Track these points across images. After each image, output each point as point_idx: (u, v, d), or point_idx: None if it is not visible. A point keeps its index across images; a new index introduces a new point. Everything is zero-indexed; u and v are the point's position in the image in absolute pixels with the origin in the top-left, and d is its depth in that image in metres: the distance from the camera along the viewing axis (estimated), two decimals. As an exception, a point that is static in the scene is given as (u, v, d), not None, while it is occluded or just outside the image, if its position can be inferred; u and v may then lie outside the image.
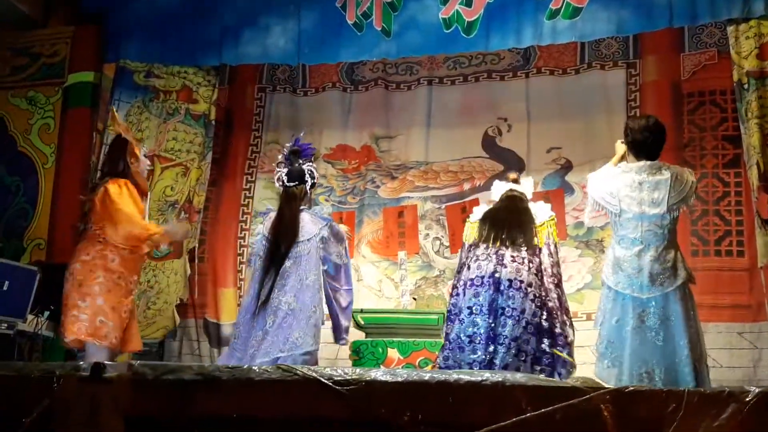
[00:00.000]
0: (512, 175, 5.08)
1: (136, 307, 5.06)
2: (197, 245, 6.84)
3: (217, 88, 6.85)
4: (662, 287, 4.16)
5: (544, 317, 4.34)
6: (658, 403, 2.44)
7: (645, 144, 4.35)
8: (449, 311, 4.57)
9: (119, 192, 4.74)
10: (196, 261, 6.84)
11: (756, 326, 5.78)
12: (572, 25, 5.83)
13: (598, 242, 6.41)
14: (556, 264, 4.60)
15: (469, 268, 4.51)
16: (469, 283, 4.42)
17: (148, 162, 5.32)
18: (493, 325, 4.27)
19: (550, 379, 3.38)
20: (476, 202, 6.63)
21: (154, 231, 4.84)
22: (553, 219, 4.75)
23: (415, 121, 7.13)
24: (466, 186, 6.88)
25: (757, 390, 2.44)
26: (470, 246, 4.65)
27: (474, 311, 4.35)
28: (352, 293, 5.15)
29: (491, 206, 4.86)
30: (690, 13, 5.67)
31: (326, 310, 5.01)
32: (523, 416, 2.40)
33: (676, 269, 4.19)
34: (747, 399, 2.42)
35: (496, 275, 4.36)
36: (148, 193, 5.36)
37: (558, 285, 4.54)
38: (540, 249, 4.54)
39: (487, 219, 4.68)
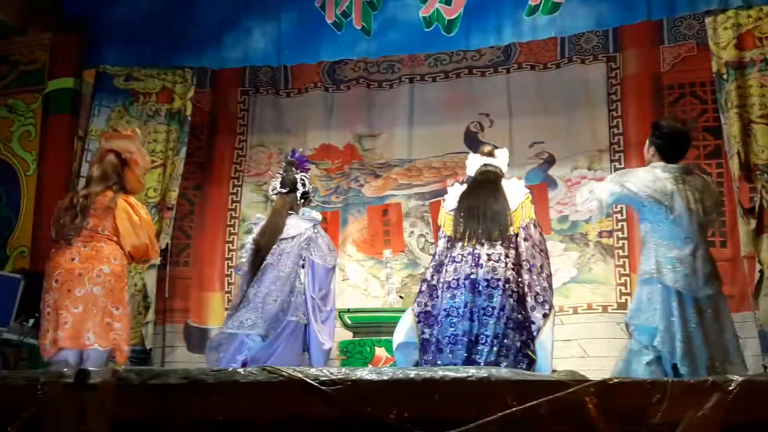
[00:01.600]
0: (486, 148, 4.87)
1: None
2: (169, 243, 6.70)
3: (193, 85, 6.80)
4: (713, 287, 4.18)
5: (522, 311, 4.30)
6: (642, 394, 2.45)
7: (675, 148, 4.34)
8: (425, 312, 4.45)
9: (138, 204, 4.85)
10: (169, 264, 6.79)
11: (739, 316, 5.78)
12: (551, 21, 5.85)
13: (582, 236, 6.44)
14: (537, 243, 4.45)
15: (446, 270, 4.44)
16: (445, 285, 4.35)
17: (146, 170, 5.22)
18: (471, 326, 4.23)
19: (535, 373, 3.39)
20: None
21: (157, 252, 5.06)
22: (528, 198, 4.57)
23: (398, 119, 7.14)
24: (450, 182, 6.87)
25: (740, 379, 2.46)
26: (447, 240, 4.56)
27: (451, 314, 4.29)
28: (333, 327, 5.16)
29: (464, 189, 4.69)
30: (668, 5, 5.71)
31: (299, 308, 5.00)
32: (509, 411, 2.41)
33: (718, 272, 4.26)
34: (730, 388, 2.43)
35: (473, 276, 4.28)
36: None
37: (542, 266, 4.42)
38: (516, 235, 4.42)
39: (462, 210, 4.53)
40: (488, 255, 4.33)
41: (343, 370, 2.60)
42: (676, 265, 4.17)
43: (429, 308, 4.46)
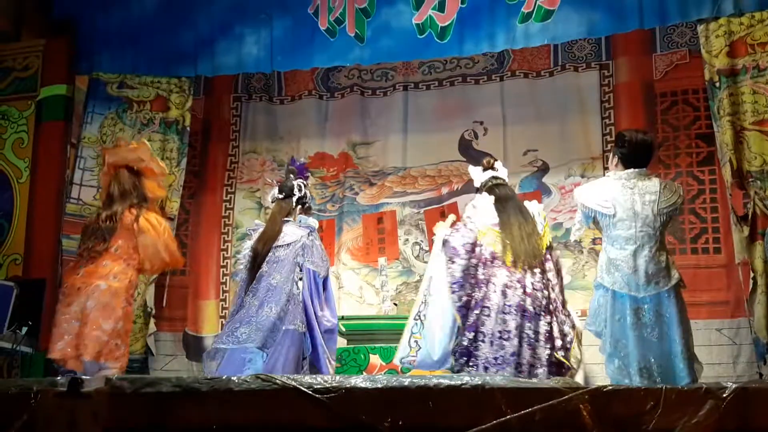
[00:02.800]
0: (488, 160, 4.88)
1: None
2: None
3: (190, 95, 6.80)
4: (657, 286, 4.24)
5: (548, 326, 4.38)
6: (636, 402, 2.46)
7: (637, 156, 4.42)
8: (474, 330, 4.41)
9: (158, 220, 4.94)
10: (168, 273, 6.76)
11: (734, 322, 5.83)
12: (544, 28, 5.85)
13: (576, 243, 6.44)
14: (556, 263, 4.62)
15: (494, 292, 4.43)
16: (496, 309, 4.38)
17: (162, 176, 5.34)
18: (520, 350, 4.31)
19: (529, 380, 3.39)
20: (455, 206, 6.65)
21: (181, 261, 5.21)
22: (547, 221, 4.73)
23: (392, 127, 7.14)
24: (444, 190, 6.90)
25: (733, 386, 2.47)
26: (492, 256, 4.51)
27: (502, 336, 4.34)
28: (336, 334, 5.13)
29: (496, 203, 4.67)
30: (660, 15, 5.71)
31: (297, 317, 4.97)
32: (504, 418, 2.41)
33: (669, 270, 4.29)
34: (724, 395, 2.44)
35: (522, 303, 4.37)
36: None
37: (558, 282, 4.56)
38: (543, 259, 4.54)
39: (507, 229, 4.54)
40: (532, 284, 4.42)
41: (338, 377, 2.60)
42: (618, 266, 4.29)
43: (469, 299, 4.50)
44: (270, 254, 4.97)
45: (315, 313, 4.93)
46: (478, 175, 4.84)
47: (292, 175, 5.28)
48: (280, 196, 5.19)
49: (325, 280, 5.08)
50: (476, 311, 4.41)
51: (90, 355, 4.59)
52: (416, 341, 4.52)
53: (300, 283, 4.95)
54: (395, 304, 6.20)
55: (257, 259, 4.99)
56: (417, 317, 4.59)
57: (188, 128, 6.74)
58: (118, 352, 4.70)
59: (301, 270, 4.97)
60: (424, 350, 4.49)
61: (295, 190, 5.19)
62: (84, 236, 4.91)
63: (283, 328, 4.80)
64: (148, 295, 6.52)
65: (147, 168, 5.01)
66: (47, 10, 6.73)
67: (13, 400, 2.64)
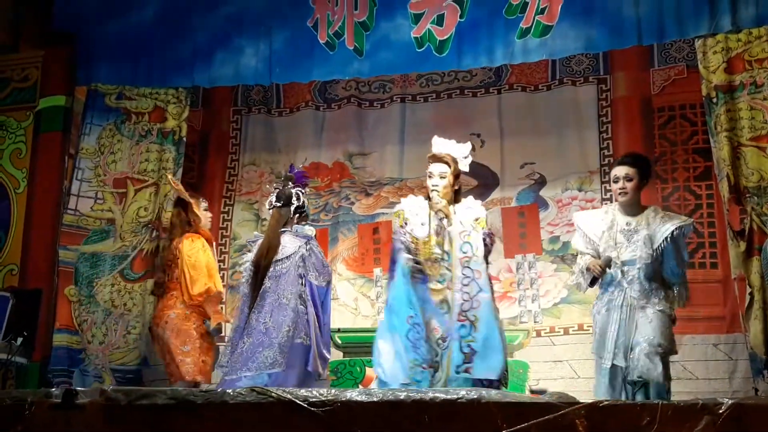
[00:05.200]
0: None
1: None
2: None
3: (187, 105, 6.77)
4: None
5: None
6: (632, 417, 2.46)
7: None
8: None
9: (191, 246, 5.60)
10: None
11: (731, 337, 5.82)
12: (542, 43, 5.86)
13: (573, 257, 6.40)
14: None
15: None
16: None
17: (210, 215, 6.04)
18: None
19: (525, 395, 3.39)
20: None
21: (219, 289, 5.66)
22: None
23: (389, 139, 7.14)
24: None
25: (730, 401, 2.46)
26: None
27: None
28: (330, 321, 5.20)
29: None
30: (658, 31, 5.71)
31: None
32: (499, 433, 2.41)
33: None
34: (720, 411, 2.44)
35: None
36: (213, 243, 6.00)
37: None
38: None
39: None
40: None
41: (333, 391, 2.60)
42: None
43: None
44: (271, 269, 4.93)
45: (318, 324, 4.93)
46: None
47: (290, 183, 5.21)
48: (278, 204, 5.12)
49: (327, 285, 5.08)
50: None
51: (190, 376, 5.37)
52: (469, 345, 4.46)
53: (303, 296, 4.93)
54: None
55: (258, 273, 4.95)
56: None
57: (185, 138, 6.73)
58: (206, 367, 5.47)
59: (303, 282, 4.94)
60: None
61: (294, 199, 5.12)
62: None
63: (293, 342, 4.80)
64: (151, 303, 6.43)
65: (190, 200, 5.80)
66: (46, 21, 6.71)
67: (7, 412, 2.63)
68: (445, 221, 4.71)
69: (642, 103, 6.50)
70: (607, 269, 4.71)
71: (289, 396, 2.52)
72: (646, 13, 5.67)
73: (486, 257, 4.67)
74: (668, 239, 4.66)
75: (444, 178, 4.75)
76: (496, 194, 6.76)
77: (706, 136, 5.97)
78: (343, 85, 7.24)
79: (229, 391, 2.62)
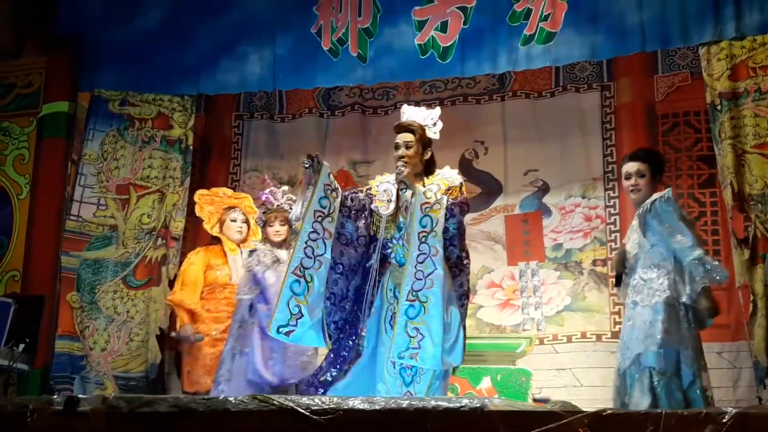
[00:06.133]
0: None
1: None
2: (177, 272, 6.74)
3: (193, 113, 6.79)
4: None
5: None
6: (635, 426, 2.44)
7: None
8: None
9: (188, 259, 5.95)
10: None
11: (735, 345, 5.80)
12: (546, 50, 5.86)
13: (576, 264, 6.43)
14: None
15: None
16: None
17: (239, 225, 6.00)
18: None
19: (528, 403, 3.38)
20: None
21: (188, 306, 5.71)
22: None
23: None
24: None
25: (734, 411, 2.45)
26: None
27: None
28: None
29: None
30: (662, 38, 5.71)
31: None
32: (502, 442, 2.40)
33: None
34: (724, 420, 2.42)
35: None
36: (240, 250, 5.89)
37: None
38: None
39: None
40: None
41: (335, 399, 2.59)
42: None
43: None
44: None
45: None
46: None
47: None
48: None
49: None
50: None
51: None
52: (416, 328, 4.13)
53: None
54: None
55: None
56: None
57: (191, 147, 6.74)
58: (192, 377, 5.68)
59: None
60: None
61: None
62: None
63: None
64: (164, 317, 6.44)
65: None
66: (50, 27, 6.73)
67: (9, 419, 2.62)
68: (408, 193, 4.41)
69: (646, 110, 6.49)
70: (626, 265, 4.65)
71: (291, 404, 2.51)
72: (650, 20, 5.66)
73: (459, 229, 4.34)
74: (647, 216, 4.45)
75: (410, 147, 4.52)
76: (499, 201, 6.75)
77: (710, 143, 5.96)
78: (346, 92, 7.23)
79: (231, 398, 2.61)
